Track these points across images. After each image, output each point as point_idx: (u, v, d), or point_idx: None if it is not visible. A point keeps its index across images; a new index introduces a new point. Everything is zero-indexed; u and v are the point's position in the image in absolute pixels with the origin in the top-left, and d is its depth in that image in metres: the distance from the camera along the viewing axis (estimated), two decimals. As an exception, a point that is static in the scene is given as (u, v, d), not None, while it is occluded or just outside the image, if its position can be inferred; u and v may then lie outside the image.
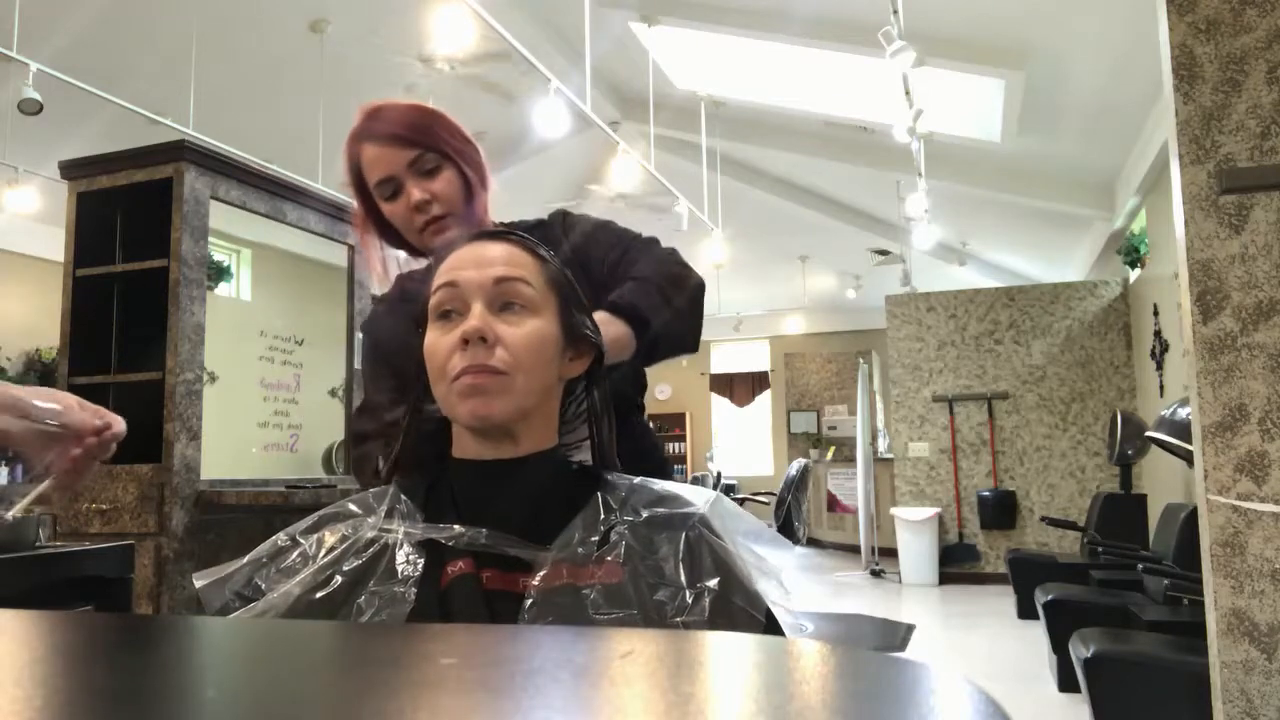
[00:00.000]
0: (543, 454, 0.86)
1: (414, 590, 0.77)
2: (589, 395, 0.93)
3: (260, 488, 2.84)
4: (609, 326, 1.05)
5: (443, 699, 0.38)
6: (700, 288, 1.26)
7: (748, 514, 0.87)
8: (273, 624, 0.72)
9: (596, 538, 0.80)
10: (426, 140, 1.22)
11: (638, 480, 0.87)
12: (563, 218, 1.32)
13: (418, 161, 1.22)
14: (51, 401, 0.98)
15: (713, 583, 0.77)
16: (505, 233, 0.90)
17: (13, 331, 6.83)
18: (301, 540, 0.83)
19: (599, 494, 0.84)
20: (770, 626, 0.79)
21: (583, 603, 0.75)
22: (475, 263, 0.85)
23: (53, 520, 2.68)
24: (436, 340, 0.85)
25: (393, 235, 1.30)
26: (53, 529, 2.68)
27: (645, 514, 0.82)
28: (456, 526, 0.80)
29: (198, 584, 0.81)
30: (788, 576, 0.84)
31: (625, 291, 1.13)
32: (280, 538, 0.84)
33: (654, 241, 1.28)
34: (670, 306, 1.15)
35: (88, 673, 0.43)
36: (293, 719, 0.36)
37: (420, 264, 1.31)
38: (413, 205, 1.22)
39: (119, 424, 1.01)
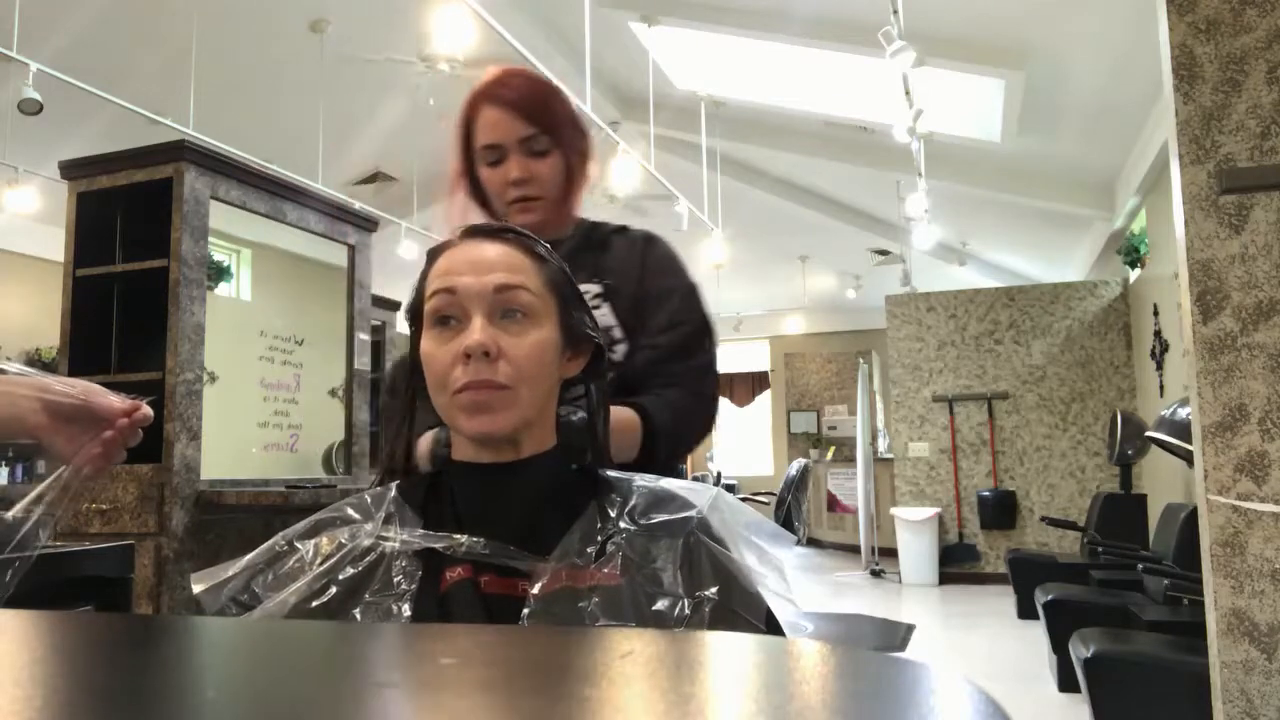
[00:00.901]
0: (542, 456, 0.86)
1: (410, 605, 0.76)
2: (587, 393, 0.93)
3: (260, 488, 2.84)
4: (627, 421, 1.12)
5: (443, 699, 0.38)
6: (710, 425, 1.29)
7: (749, 507, 0.86)
8: (273, 624, 0.72)
9: (594, 548, 0.79)
10: (545, 121, 1.22)
11: (636, 480, 0.86)
12: (645, 243, 1.32)
13: (530, 140, 1.21)
14: (75, 388, 0.96)
15: (711, 591, 0.76)
16: (502, 230, 0.88)
17: (13, 331, 6.83)
18: (299, 546, 0.82)
19: (595, 501, 0.83)
20: (770, 630, 0.79)
21: (580, 613, 0.74)
22: (473, 267, 0.83)
23: (52, 520, 2.68)
24: (435, 350, 0.83)
25: (480, 199, 1.30)
26: (53, 529, 2.68)
27: (642, 523, 0.81)
28: (455, 535, 0.79)
29: (196, 588, 0.81)
30: (788, 574, 0.84)
31: (658, 408, 1.16)
32: (278, 542, 0.83)
33: (701, 350, 1.27)
34: (681, 441, 1.21)
35: (88, 673, 0.43)
36: (293, 719, 0.36)
37: None
38: (511, 180, 1.22)
39: (146, 408, 0.98)
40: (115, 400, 0.95)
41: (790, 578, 0.83)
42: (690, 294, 1.29)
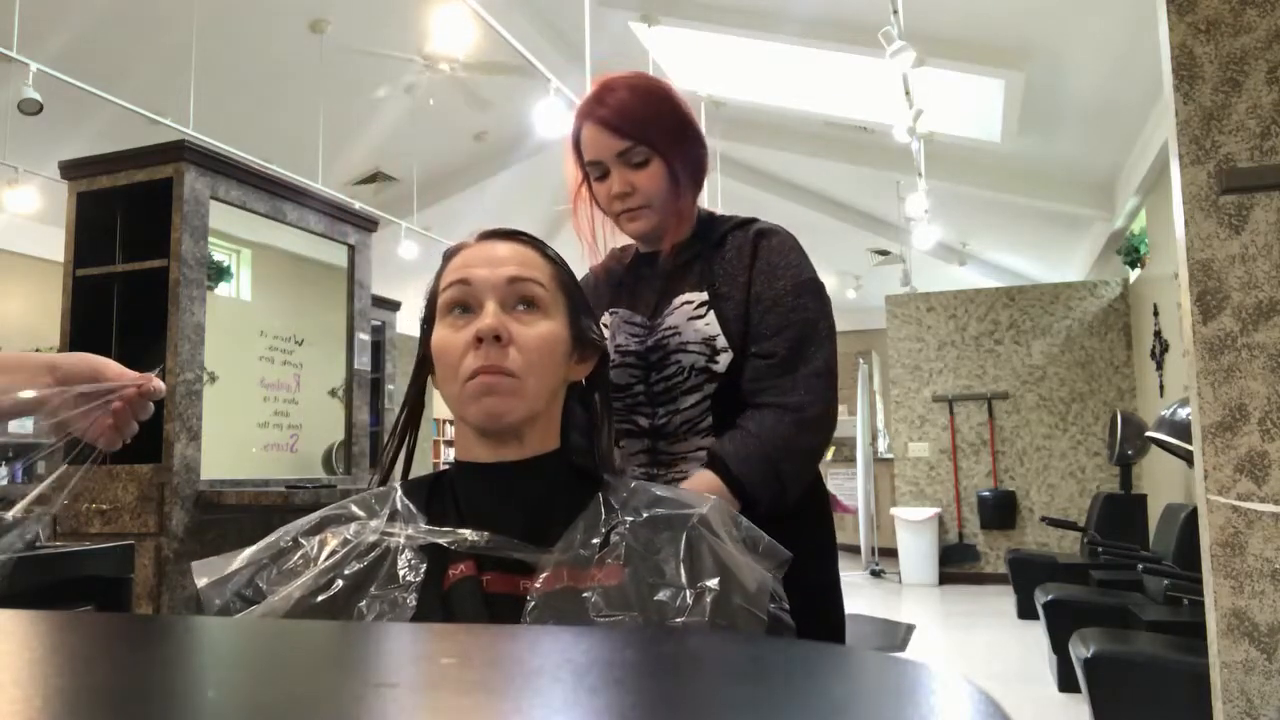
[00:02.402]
0: (546, 456, 0.86)
1: (415, 596, 0.77)
2: (591, 398, 0.94)
3: (260, 488, 2.84)
4: (709, 484, 1.09)
5: (443, 699, 0.38)
6: (823, 445, 1.21)
7: (744, 519, 0.87)
8: (273, 624, 0.72)
9: (597, 539, 0.80)
10: (640, 133, 1.22)
11: (636, 481, 0.88)
12: (756, 240, 1.28)
13: (627, 153, 1.22)
14: (84, 363, 0.93)
15: (713, 582, 0.77)
16: (515, 232, 0.90)
17: (13, 331, 6.84)
18: (303, 542, 0.82)
19: (600, 495, 0.84)
20: (774, 625, 0.79)
21: (583, 605, 0.75)
22: (487, 261, 0.86)
23: (53, 520, 2.68)
24: (448, 338, 0.84)
25: (596, 208, 1.32)
26: (53, 529, 2.68)
27: (646, 514, 0.82)
28: (460, 530, 0.80)
29: (198, 582, 0.81)
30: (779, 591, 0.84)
31: (735, 450, 1.12)
32: (282, 538, 0.83)
33: (806, 357, 1.19)
34: (774, 482, 1.13)
35: (88, 673, 0.43)
36: (293, 719, 0.36)
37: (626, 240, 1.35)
38: (613, 194, 1.23)
39: (158, 380, 0.95)
40: (125, 372, 0.93)
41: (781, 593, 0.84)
42: (799, 291, 1.23)
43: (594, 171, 1.25)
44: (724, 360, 1.19)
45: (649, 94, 1.25)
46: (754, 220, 1.33)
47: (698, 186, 1.29)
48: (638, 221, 1.25)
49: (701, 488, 1.08)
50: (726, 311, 1.22)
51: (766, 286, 1.23)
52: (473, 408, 0.82)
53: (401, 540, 0.81)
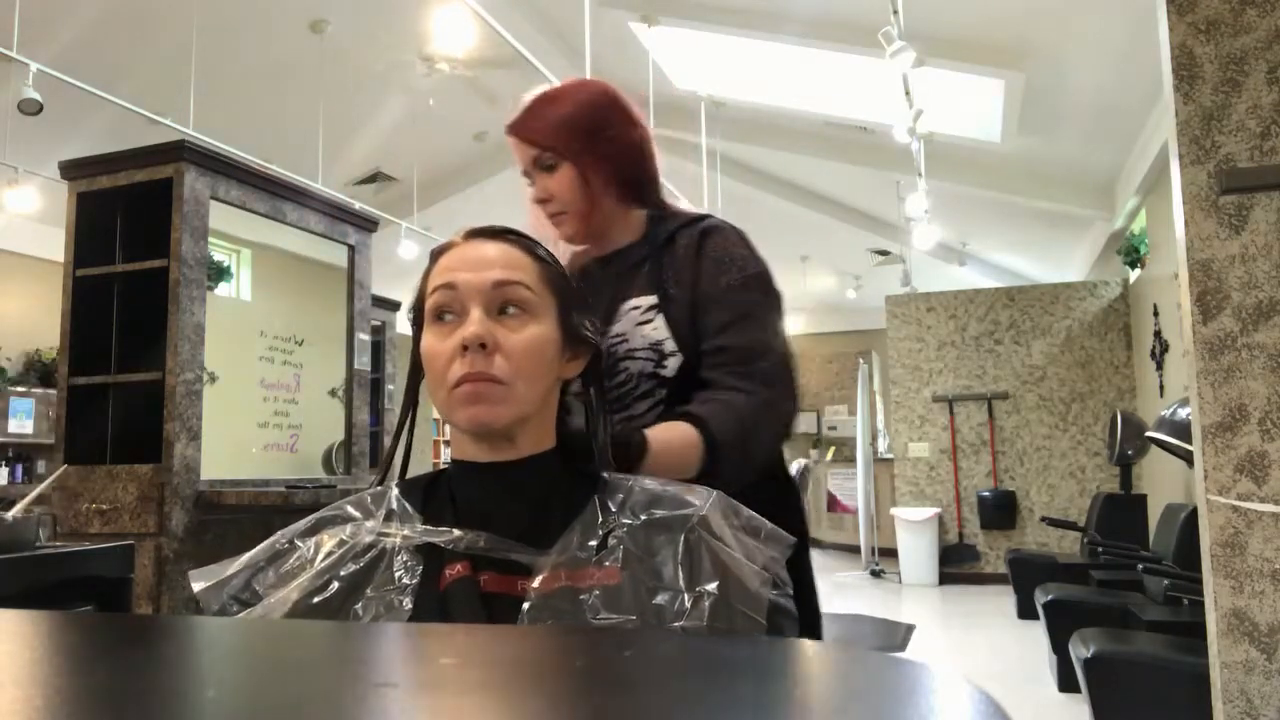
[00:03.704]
0: (541, 456, 0.86)
1: (410, 599, 0.77)
2: (587, 395, 0.93)
3: (260, 488, 2.84)
4: (681, 436, 1.03)
5: (443, 699, 0.38)
6: (787, 431, 1.18)
7: (746, 508, 0.86)
8: (272, 624, 0.72)
9: (595, 541, 0.79)
10: (546, 139, 1.22)
11: (634, 480, 0.87)
12: (701, 238, 1.24)
13: (539, 159, 1.23)
14: None
15: (712, 586, 0.76)
16: (503, 231, 0.89)
17: (13, 331, 6.83)
18: (299, 544, 0.82)
19: (597, 496, 0.83)
20: (772, 627, 0.79)
21: (580, 607, 0.74)
22: (473, 264, 0.85)
23: (53, 520, 2.68)
24: (435, 345, 0.84)
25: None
26: (53, 529, 2.68)
27: (644, 517, 0.81)
28: (455, 530, 0.79)
29: (195, 587, 0.81)
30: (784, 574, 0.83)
31: (717, 414, 1.07)
32: (278, 541, 0.83)
33: (768, 346, 1.18)
34: (749, 449, 1.10)
35: (88, 673, 0.43)
36: (293, 719, 0.36)
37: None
38: (533, 200, 1.26)
39: None
40: None
41: (786, 578, 0.83)
42: (752, 283, 1.20)
43: (526, 182, 1.27)
44: (673, 364, 1.16)
45: (559, 100, 1.25)
46: (704, 217, 1.29)
47: (626, 186, 1.26)
48: (561, 226, 1.25)
49: (675, 437, 1.03)
50: (675, 313, 1.19)
51: (713, 283, 1.19)
52: (459, 415, 0.82)
53: (398, 541, 0.80)
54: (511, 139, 1.25)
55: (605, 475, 0.88)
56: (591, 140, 1.23)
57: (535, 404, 0.84)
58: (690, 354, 1.17)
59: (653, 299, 1.20)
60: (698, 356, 1.17)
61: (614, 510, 0.82)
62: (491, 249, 0.86)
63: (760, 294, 1.21)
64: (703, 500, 0.82)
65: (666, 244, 1.26)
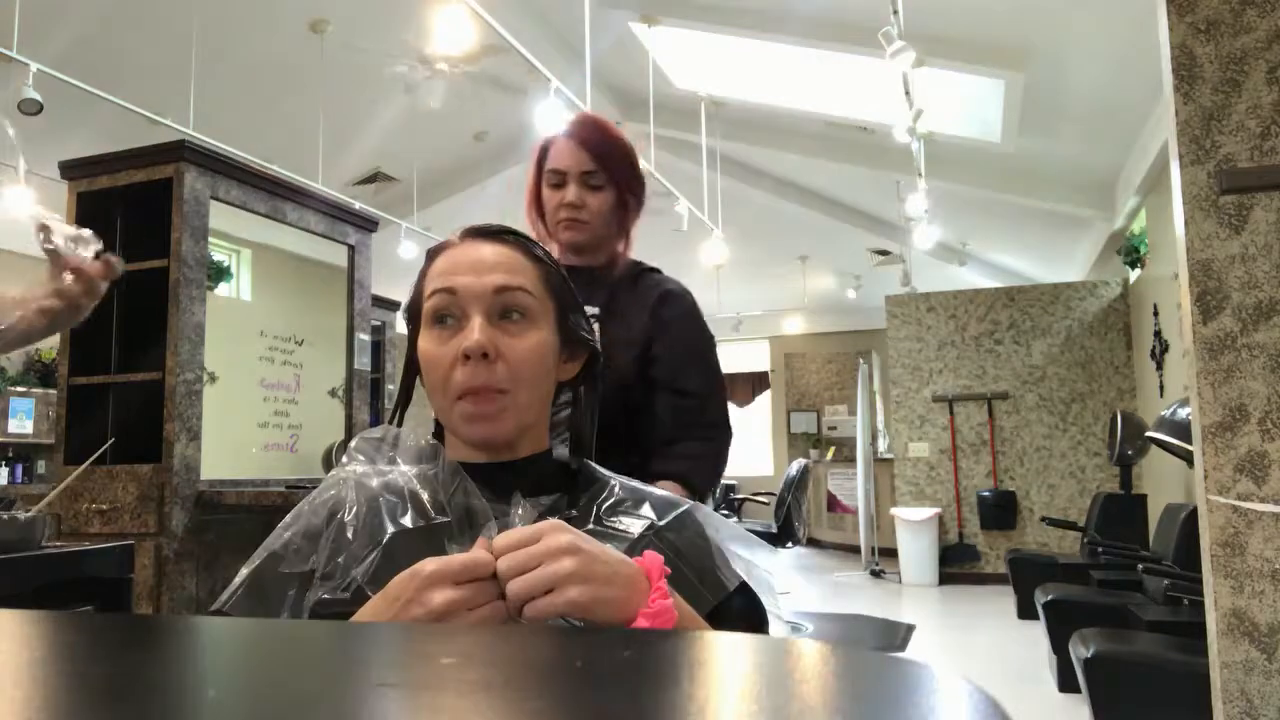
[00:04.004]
0: (538, 456, 0.87)
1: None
2: (585, 397, 0.94)
3: (260, 488, 2.84)
4: (675, 489, 1.33)
5: (443, 699, 0.38)
6: (726, 458, 1.57)
7: (720, 517, 0.89)
8: (273, 624, 0.72)
9: (576, 512, 0.83)
10: (605, 162, 1.45)
11: (622, 479, 0.89)
12: (662, 298, 1.51)
13: (590, 174, 1.44)
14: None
15: (665, 521, 0.82)
16: (501, 231, 0.88)
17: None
18: (314, 520, 0.82)
19: (566, 495, 0.85)
20: (718, 610, 0.79)
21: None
22: (473, 267, 0.83)
23: (55, 520, 2.68)
24: (434, 350, 0.83)
25: (540, 214, 1.52)
26: (55, 529, 2.68)
27: (607, 522, 0.83)
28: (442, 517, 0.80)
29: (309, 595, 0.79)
30: (782, 579, 0.85)
31: (694, 471, 1.44)
32: (291, 539, 0.82)
33: (720, 404, 1.55)
34: (711, 485, 1.49)
35: (88, 673, 0.43)
36: (293, 719, 0.36)
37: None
38: (566, 201, 1.43)
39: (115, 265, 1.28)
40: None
41: (789, 582, 0.85)
42: (708, 349, 1.54)
43: (551, 179, 1.45)
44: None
45: (619, 138, 1.49)
46: (658, 271, 1.58)
47: (631, 227, 1.53)
48: (574, 231, 1.45)
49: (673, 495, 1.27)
50: (615, 333, 1.42)
51: (677, 341, 1.49)
52: (463, 431, 0.82)
53: (413, 478, 0.83)
54: (570, 141, 1.43)
55: (588, 470, 0.89)
56: (633, 180, 1.49)
57: (536, 410, 0.85)
58: (619, 370, 1.38)
59: (596, 310, 1.43)
60: (639, 382, 1.45)
61: (575, 513, 0.83)
62: (490, 251, 0.85)
63: (713, 357, 1.56)
64: (668, 516, 0.84)
65: (628, 278, 1.51)
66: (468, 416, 0.81)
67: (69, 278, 1.27)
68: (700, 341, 1.54)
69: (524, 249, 0.87)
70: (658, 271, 1.57)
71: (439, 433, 0.89)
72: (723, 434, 1.54)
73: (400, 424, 0.92)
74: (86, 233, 1.30)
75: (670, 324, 1.49)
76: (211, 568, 2.70)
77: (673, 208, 5.99)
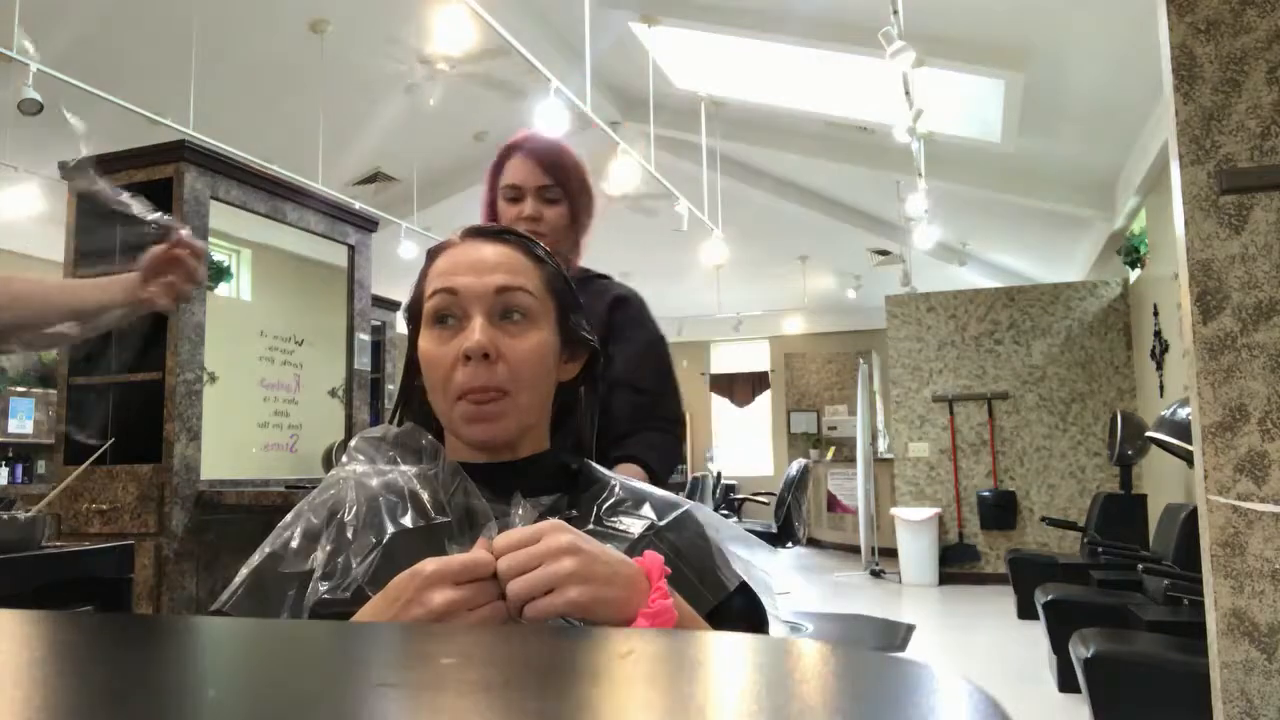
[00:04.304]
0: (538, 456, 0.87)
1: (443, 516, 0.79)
2: (584, 398, 0.94)
3: (260, 488, 2.84)
4: (638, 473, 1.43)
5: (443, 699, 0.38)
6: (683, 439, 1.68)
7: (719, 517, 0.89)
8: (273, 624, 0.72)
9: (577, 512, 0.83)
10: (560, 176, 1.52)
11: (622, 479, 0.89)
12: (614, 303, 1.59)
13: (546, 189, 1.51)
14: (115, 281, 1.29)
15: (665, 521, 0.81)
16: (502, 231, 0.88)
17: (13, 331, 6.82)
18: (314, 517, 0.81)
19: (566, 496, 0.85)
20: (719, 610, 0.79)
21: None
22: (474, 268, 0.83)
23: (55, 520, 2.68)
24: (435, 350, 0.83)
25: None
26: (55, 529, 2.68)
27: (606, 523, 0.83)
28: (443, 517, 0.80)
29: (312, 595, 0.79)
30: (782, 579, 0.85)
31: (653, 458, 1.50)
32: (293, 540, 0.82)
33: (675, 398, 1.65)
34: (668, 474, 1.56)
35: (88, 673, 0.43)
36: (293, 719, 0.36)
37: None
38: (524, 215, 1.50)
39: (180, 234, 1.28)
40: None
41: (789, 582, 0.85)
42: (661, 348, 1.63)
43: (508, 194, 1.52)
44: None
45: (571, 154, 1.57)
46: (607, 277, 1.66)
47: (583, 239, 1.60)
48: None
49: (635, 475, 1.35)
50: None
51: (631, 342, 1.56)
52: (464, 431, 0.82)
53: (412, 477, 0.83)
54: (526, 158, 1.50)
55: (589, 470, 0.89)
56: (586, 195, 1.57)
57: (537, 411, 0.85)
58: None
59: None
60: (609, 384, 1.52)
61: (576, 513, 0.83)
62: (491, 251, 0.85)
63: (665, 352, 1.64)
64: (668, 517, 0.84)
65: (580, 285, 1.54)
66: (468, 417, 0.81)
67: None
68: (653, 341, 1.63)
69: (525, 249, 0.87)
70: (606, 278, 1.67)
71: (439, 433, 0.89)
72: (677, 428, 1.62)
73: (400, 424, 0.91)
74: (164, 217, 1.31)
75: (624, 326, 1.58)
76: (211, 568, 2.70)
77: (673, 208, 5.99)
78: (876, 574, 7.16)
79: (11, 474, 6.84)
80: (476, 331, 0.80)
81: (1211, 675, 1.92)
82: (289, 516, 0.83)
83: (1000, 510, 6.70)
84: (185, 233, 1.28)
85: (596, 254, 1.67)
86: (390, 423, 0.92)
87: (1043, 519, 5.75)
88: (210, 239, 2.84)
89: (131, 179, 2.80)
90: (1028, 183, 6.36)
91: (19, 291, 1.25)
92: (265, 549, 0.81)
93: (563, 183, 1.52)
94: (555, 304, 0.87)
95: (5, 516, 1.79)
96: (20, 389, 6.87)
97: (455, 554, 0.66)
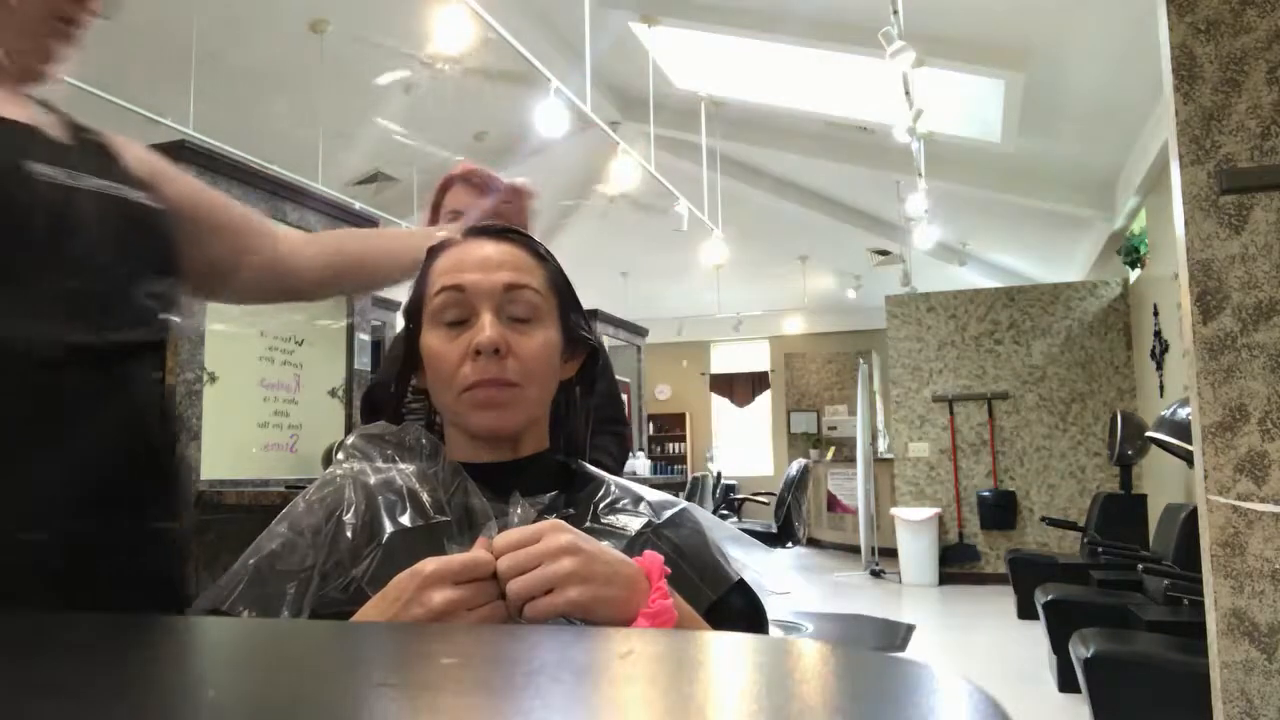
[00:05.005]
0: (538, 455, 0.87)
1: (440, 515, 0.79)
2: (580, 398, 0.94)
3: (260, 488, 2.84)
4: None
5: (443, 699, 0.38)
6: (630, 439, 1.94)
7: (715, 518, 0.89)
8: (273, 624, 0.72)
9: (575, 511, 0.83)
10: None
11: (616, 478, 0.89)
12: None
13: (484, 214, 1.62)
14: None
15: (663, 519, 0.82)
16: (504, 230, 0.88)
17: (13, 331, 6.82)
18: (309, 521, 0.82)
19: (563, 495, 0.85)
20: (718, 607, 0.79)
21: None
22: (480, 265, 0.84)
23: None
24: (442, 347, 0.83)
25: None
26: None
27: (603, 522, 0.83)
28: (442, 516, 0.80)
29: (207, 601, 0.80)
30: (782, 579, 0.85)
31: (609, 464, 1.64)
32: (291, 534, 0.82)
33: (619, 400, 1.92)
34: (622, 466, 1.82)
35: (88, 673, 0.43)
36: (292, 719, 0.36)
37: None
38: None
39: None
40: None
41: (788, 582, 0.85)
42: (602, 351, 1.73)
43: (451, 218, 1.61)
44: None
45: (516, 184, 1.68)
46: None
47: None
48: None
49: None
50: None
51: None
52: (473, 419, 0.82)
53: (410, 475, 0.83)
54: (462, 190, 1.61)
55: (586, 470, 0.90)
56: (525, 221, 1.67)
57: (542, 407, 0.85)
58: None
59: None
60: None
61: (573, 511, 0.83)
62: (496, 250, 0.85)
63: (609, 367, 1.78)
64: (664, 515, 0.84)
65: None
66: (478, 403, 0.81)
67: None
68: (616, 401, 1.87)
69: (528, 247, 0.88)
70: None
71: (439, 431, 0.89)
72: (626, 430, 1.86)
73: (398, 421, 0.92)
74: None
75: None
76: (211, 568, 2.70)
77: (673, 208, 5.99)
78: (876, 574, 7.16)
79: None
80: (487, 327, 0.81)
81: (1211, 675, 1.92)
82: (286, 511, 0.84)
83: (1000, 510, 6.70)
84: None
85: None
86: (397, 403, 0.92)
87: (1043, 519, 5.75)
88: (210, 239, 2.84)
89: (131, 179, 2.80)
90: (1028, 183, 6.36)
91: (359, 251, 1.29)
92: (262, 545, 0.81)
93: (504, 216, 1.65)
94: (558, 302, 0.87)
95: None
96: (20, 389, 6.86)
97: (455, 553, 0.66)
